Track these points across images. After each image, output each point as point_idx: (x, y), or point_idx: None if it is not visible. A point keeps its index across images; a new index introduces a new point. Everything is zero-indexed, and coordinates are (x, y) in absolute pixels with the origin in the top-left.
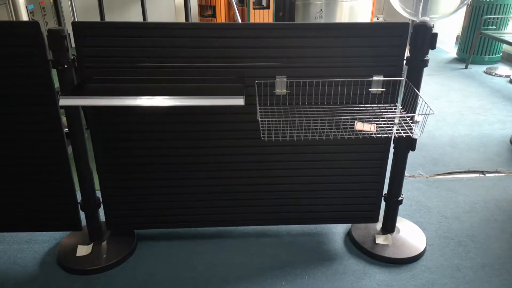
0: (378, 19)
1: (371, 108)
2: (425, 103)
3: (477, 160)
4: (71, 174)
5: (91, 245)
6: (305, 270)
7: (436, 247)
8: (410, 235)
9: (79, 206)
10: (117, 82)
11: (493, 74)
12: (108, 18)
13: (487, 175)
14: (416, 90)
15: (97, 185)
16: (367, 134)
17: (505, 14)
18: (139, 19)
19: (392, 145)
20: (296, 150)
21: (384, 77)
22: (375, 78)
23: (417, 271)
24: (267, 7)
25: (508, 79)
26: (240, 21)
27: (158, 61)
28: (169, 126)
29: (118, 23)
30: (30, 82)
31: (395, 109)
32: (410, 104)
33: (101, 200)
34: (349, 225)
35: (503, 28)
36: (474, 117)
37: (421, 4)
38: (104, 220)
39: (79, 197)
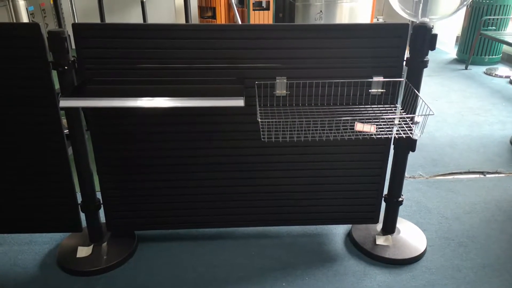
0: (378, 20)
1: (371, 109)
2: (425, 104)
3: (477, 161)
4: (71, 175)
5: (91, 247)
6: (306, 271)
7: (437, 247)
8: (410, 236)
9: (79, 207)
10: (117, 83)
11: (493, 74)
12: (108, 20)
13: (487, 175)
14: (416, 91)
15: (97, 186)
16: (367, 135)
17: (505, 15)
18: (139, 20)
19: (392, 146)
20: (296, 151)
21: (384, 78)
22: (375, 79)
23: (418, 272)
24: (267, 9)
25: (508, 79)
26: (240, 23)
27: (158, 62)
28: (169, 128)
29: (118, 24)
30: (31, 84)
31: (395, 110)
32: (410, 105)
33: (101, 201)
34: (349, 226)
35: (503, 28)
36: (474, 117)
37: (421, 5)
38: (104, 221)
39: (79, 199)
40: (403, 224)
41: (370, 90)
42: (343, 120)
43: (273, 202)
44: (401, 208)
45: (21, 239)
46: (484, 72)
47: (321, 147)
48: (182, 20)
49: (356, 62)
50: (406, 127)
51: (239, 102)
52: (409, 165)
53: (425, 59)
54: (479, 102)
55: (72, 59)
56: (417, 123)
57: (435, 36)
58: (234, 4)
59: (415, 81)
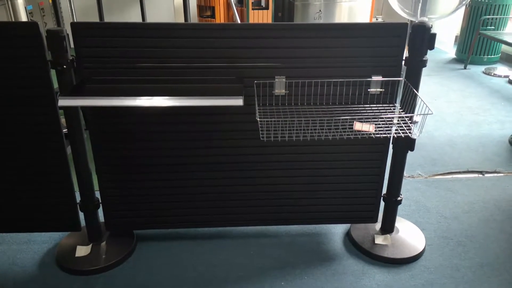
0: (377, 19)
1: (370, 108)
2: (424, 103)
3: (476, 160)
4: (70, 174)
5: (90, 246)
6: (305, 270)
7: (435, 247)
8: (409, 235)
9: (78, 206)
10: (116, 82)
11: (492, 74)
12: (107, 19)
13: (486, 175)
14: (415, 90)
15: (96, 186)
16: (366, 134)
17: (504, 15)
18: (138, 19)
19: (391, 145)
20: (295, 151)
21: (383, 78)
22: (374, 78)
23: (416, 271)
24: (266, 8)
25: (507, 79)
26: (239, 22)
27: (157, 61)
28: (168, 127)
29: (117, 23)
30: (29, 83)
31: (394, 109)
32: (409, 104)
33: (100, 201)
34: (348, 225)
35: (502, 28)
36: (473, 117)
37: (420, 4)
38: (103, 220)
39: (78, 198)
40: (402, 224)
41: (369, 90)
42: (342, 119)
43: (272, 201)
44: (400, 207)
45: (20, 238)
46: (483, 72)
47: (320, 146)
48: (181, 19)
49: (355, 61)
50: (405, 126)
51: (238, 101)
52: (408, 164)
53: (424, 59)
54: (478, 102)
55: (71, 58)
56: (416, 122)
57: (434, 35)
58: (233, 3)
59: (414, 80)
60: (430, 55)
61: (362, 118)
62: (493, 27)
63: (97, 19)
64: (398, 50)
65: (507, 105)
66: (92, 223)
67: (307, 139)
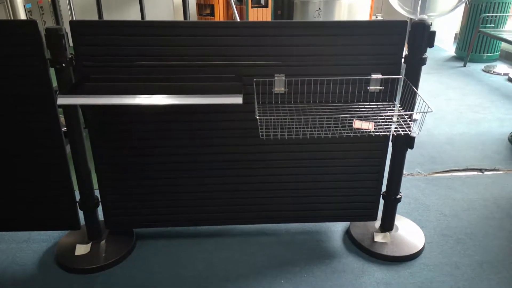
0: (376, 17)
1: (369, 106)
2: (424, 101)
3: (475, 158)
4: (70, 173)
5: (89, 244)
6: (304, 268)
7: (435, 244)
8: (408, 233)
9: (77, 205)
10: (115, 80)
11: (492, 72)
12: (106, 17)
13: (486, 173)
14: (414, 88)
15: (95, 184)
16: (366, 132)
17: (504, 12)
18: (138, 18)
19: (390, 143)
20: (294, 149)
21: (382, 75)
22: (374, 76)
23: (416, 269)
24: (266, 6)
25: (507, 77)
26: (238, 20)
27: (156, 59)
28: (167, 125)
29: (116, 21)
30: (28, 81)
31: (393, 107)
32: (409, 102)
33: (99, 199)
34: (347, 223)
35: (502, 26)
36: (473, 115)
37: (419, 2)
38: (102, 219)
39: (77, 196)
40: (401, 221)
41: (368, 88)
42: (342, 117)
43: (272, 199)
44: (399, 205)
45: (19, 237)
46: (483, 70)
47: (319, 144)
48: (180, 17)
49: (355, 59)
50: (405, 124)
51: (238, 100)
52: (408, 162)
53: (424, 57)
54: (477, 100)
55: (70, 56)
56: (415, 120)
57: (434, 33)
58: (232, 1)
59: (413, 78)
60: (429, 53)
61: (361, 116)
62: (492, 25)
63: (96, 17)
64: (397, 48)
65: (506, 103)
66: (91, 221)
67: (307, 137)
